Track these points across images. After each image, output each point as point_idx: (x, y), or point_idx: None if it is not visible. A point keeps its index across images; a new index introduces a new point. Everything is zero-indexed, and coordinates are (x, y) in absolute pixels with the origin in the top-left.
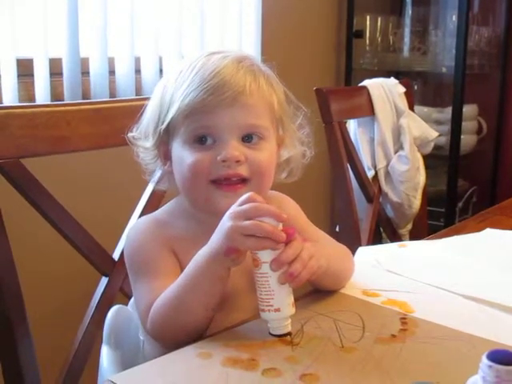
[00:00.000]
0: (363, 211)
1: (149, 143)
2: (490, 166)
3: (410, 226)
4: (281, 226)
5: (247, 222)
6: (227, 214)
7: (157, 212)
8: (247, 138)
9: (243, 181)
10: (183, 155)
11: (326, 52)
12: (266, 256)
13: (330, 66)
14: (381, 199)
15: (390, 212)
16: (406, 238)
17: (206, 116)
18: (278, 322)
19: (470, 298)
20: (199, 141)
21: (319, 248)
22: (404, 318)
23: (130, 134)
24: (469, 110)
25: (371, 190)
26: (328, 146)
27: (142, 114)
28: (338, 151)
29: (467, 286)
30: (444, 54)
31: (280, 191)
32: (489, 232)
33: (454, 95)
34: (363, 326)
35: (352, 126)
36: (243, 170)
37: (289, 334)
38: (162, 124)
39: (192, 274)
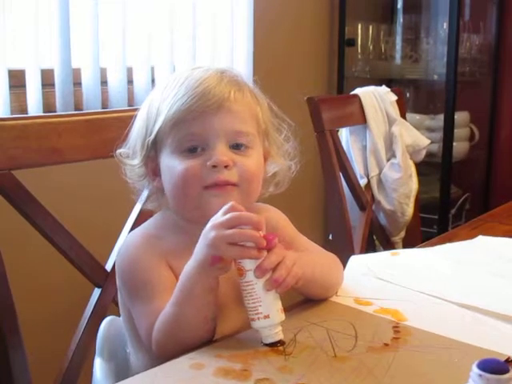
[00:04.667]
0: (356, 219)
1: (136, 160)
2: (483, 173)
3: (403, 234)
4: (261, 234)
5: (230, 231)
6: (209, 224)
7: (145, 226)
8: (236, 146)
9: (233, 185)
10: (173, 164)
11: (318, 60)
12: (249, 264)
13: (322, 74)
14: (373, 207)
15: (382, 220)
16: (400, 245)
17: (192, 123)
18: (268, 330)
19: (462, 305)
20: (188, 150)
21: (303, 255)
22: (396, 327)
23: (118, 151)
24: (461, 117)
25: (364, 198)
26: (320, 155)
27: (129, 131)
28: (329, 160)
29: (460, 294)
30: (436, 61)
31: (273, 201)
32: (481, 239)
33: (446, 102)
34: (356, 335)
35: (344, 134)
36: (232, 176)
37: (280, 342)
38: (150, 135)
39: (183, 289)
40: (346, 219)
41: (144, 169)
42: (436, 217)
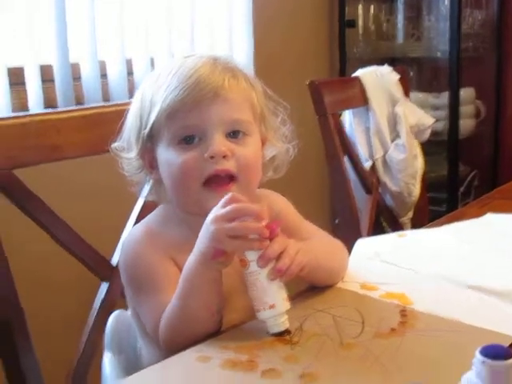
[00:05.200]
0: (363, 202)
1: (132, 153)
2: (490, 149)
3: (410, 214)
4: (264, 223)
5: (231, 224)
6: (210, 217)
7: (147, 221)
8: (233, 134)
9: (232, 178)
10: (170, 157)
11: (319, 43)
12: (252, 255)
13: (323, 57)
14: (380, 189)
15: (389, 201)
16: (408, 226)
17: (188, 114)
18: (274, 319)
19: (470, 286)
20: (185, 141)
21: (306, 244)
22: (403, 311)
23: (113, 145)
24: (466, 93)
25: (369, 180)
26: (323, 139)
27: (122, 124)
28: (333, 143)
29: (468, 275)
30: (438, 38)
31: (277, 186)
32: (489, 217)
33: (450, 79)
34: (362, 321)
35: (347, 117)
36: (231, 166)
37: (287, 331)
38: (145, 128)
39: (187, 283)
40: (352, 203)
41: (141, 161)
42: (445, 195)
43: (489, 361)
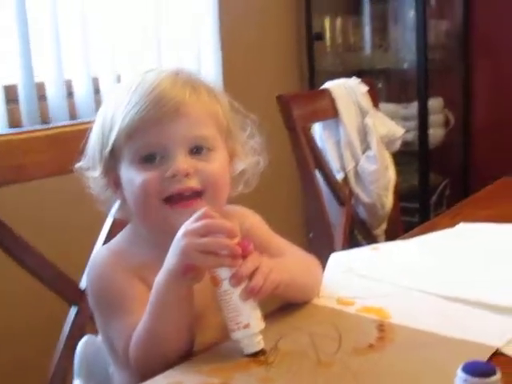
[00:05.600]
0: (336, 215)
1: (97, 172)
2: (461, 158)
3: (384, 226)
4: (236, 240)
5: (203, 239)
6: (181, 231)
7: (113, 243)
8: (196, 151)
9: (197, 195)
10: (132, 177)
11: (288, 56)
12: (225, 273)
13: (292, 70)
14: (353, 201)
15: (362, 213)
16: (382, 238)
17: (148, 133)
18: (249, 339)
19: (446, 297)
20: (146, 160)
21: (280, 261)
22: (381, 325)
23: (77, 165)
24: (434, 103)
25: (342, 192)
26: (293, 152)
27: (86, 142)
28: (303, 156)
29: (443, 286)
30: (405, 49)
31: (251, 201)
32: (462, 227)
33: (418, 90)
34: (340, 338)
35: (317, 129)
36: (194, 183)
37: (262, 351)
38: (107, 147)
39: (156, 302)
40: (325, 216)
41: (106, 180)
42: (417, 205)
43: (472, 379)
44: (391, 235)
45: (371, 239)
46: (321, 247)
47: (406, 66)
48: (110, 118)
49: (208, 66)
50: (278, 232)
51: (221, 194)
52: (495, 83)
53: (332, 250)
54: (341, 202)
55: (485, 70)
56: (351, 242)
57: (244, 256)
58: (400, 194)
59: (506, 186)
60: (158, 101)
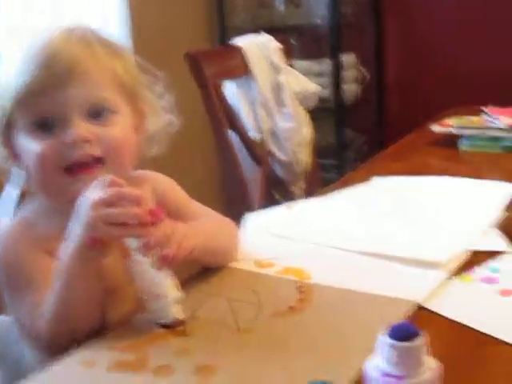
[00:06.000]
0: (253, 175)
1: None
2: (376, 115)
3: (302, 184)
4: (146, 207)
5: (110, 210)
6: (83, 203)
7: (22, 213)
8: (95, 115)
9: (98, 161)
10: (28, 147)
11: (198, 13)
12: (135, 243)
13: (202, 26)
14: (269, 160)
15: (279, 172)
16: (301, 196)
17: (41, 99)
18: (164, 310)
19: (365, 253)
20: (41, 128)
21: (194, 226)
22: (301, 287)
23: None
24: (348, 59)
25: (258, 152)
26: (206, 111)
27: None
28: (216, 115)
29: (360, 242)
30: (317, 5)
31: (167, 166)
32: (376, 180)
33: (331, 46)
34: (259, 302)
35: (230, 88)
36: (95, 150)
37: (179, 322)
38: (3, 116)
39: (62, 276)
40: (241, 176)
41: (6, 151)
42: (335, 162)
43: (397, 343)
44: (310, 192)
45: (289, 197)
46: (237, 208)
47: (318, 21)
48: (3, 84)
49: (114, 22)
50: (194, 195)
51: (124, 159)
52: (407, 39)
53: (249, 210)
54: (257, 161)
55: (397, 25)
56: (269, 202)
57: (155, 223)
58: (317, 151)
59: (416, 138)
60: (48, 61)
